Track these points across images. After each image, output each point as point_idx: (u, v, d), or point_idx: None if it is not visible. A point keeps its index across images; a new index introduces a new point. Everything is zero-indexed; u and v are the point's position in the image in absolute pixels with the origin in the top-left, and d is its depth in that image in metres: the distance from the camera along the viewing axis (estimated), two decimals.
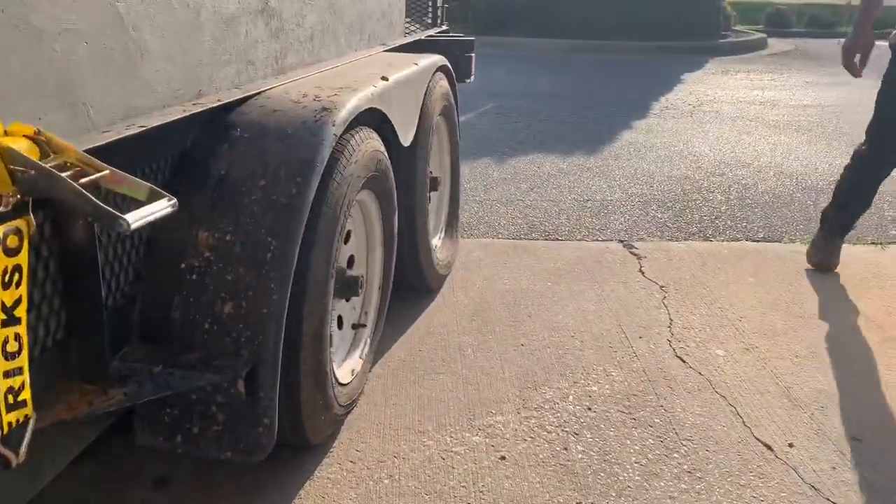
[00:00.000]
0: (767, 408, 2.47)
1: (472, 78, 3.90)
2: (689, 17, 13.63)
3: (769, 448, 2.27)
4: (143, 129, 1.48)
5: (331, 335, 2.13)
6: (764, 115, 7.67)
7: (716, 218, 4.37)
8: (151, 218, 1.18)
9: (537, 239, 3.99)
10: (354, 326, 2.41)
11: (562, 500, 2.04)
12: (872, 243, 3.99)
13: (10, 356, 1.17)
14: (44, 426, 1.31)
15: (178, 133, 1.71)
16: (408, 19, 3.95)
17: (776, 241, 4.01)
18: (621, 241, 3.95)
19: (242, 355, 1.61)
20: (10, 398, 1.19)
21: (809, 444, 2.29)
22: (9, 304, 1.15)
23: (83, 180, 1.12)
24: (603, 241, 3.97)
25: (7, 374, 1.17)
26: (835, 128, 7.04)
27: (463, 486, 2.08)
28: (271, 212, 1.69)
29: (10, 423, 1.19)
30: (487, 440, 2.28)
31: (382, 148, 2.31)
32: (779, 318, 3.10)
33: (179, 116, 1.63)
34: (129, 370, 1.53)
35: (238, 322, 1.62)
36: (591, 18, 13.56)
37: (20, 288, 1.16)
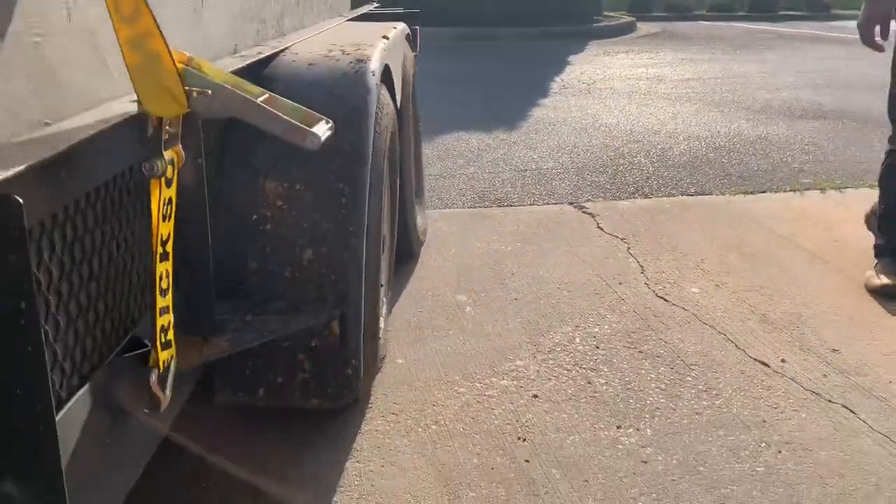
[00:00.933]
0: (751, 332, 2.69)
1: (418, 51, 3.94)
2: (566, 3, 14.19)
3: (766, 365, 2.48)
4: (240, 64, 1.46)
5: None
6: (654, 89, 8.13)
7: (647, 178, 4.64)
8: (328, 135, 1.18)
9: (492, 206, 4.10)
10: None
11: (602, 426, 2.15)
12: (791, 190, 4.36)
13: (164, 293, 1.14)
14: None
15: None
16: None
17: (709, 195, 4.31)
18: (571, 203, 4.12)
19: (328, 300, 1.62)
20: (163, 337, 1.16)
21: (798, 359, 2.52)
22: (165, 236, 1.12)
23: (259, 100, 1.11)
24: (554, 204, 4.13)
25: (162, 312, 1.15)
26: (721, 97, 7.56)
27: (508, 424, 2.15)
28: (337, 158, 1.70)
29: (164, 362, 1.17)
30: (516, 383, 2.36)
31: (393, 105, 2.34)
32: (734, 258, 3.36)
33: (242, 65, 1.61)
34: (220, 322, 1.50)
35: (320, 267, 1.62)
36: (476, 8, 13.84)
37: (171, 221, 1.14)
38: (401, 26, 2.96)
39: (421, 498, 1.86)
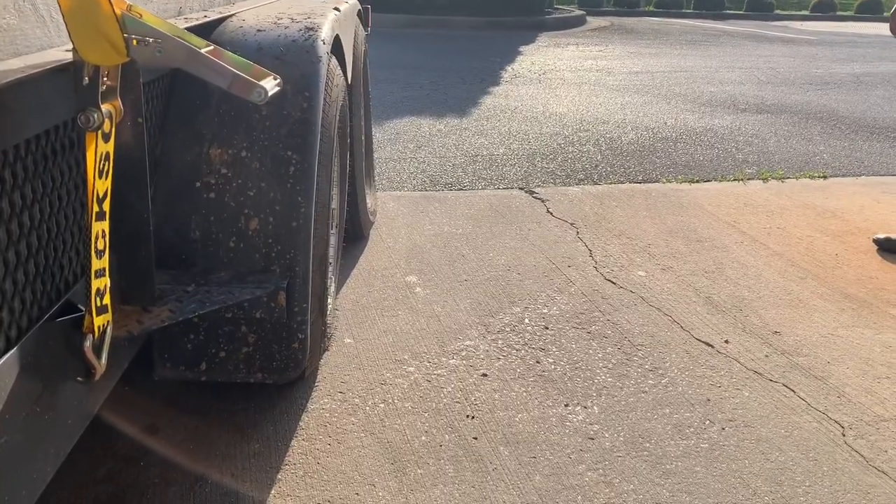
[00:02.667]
0: (697, 314, 2.73)
1: (370, 30, 3.88)
2: None
3: (710, 346, 2.52)
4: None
5: None
6: (603, 80, 8.21)
7: (596, 165, 4.67)
8: (276, 90, 1.13)
9: (443, 190, 4.08)
10: None
11: (550, 404, 2.15)
12: (735, 179, 4.45)
13: (100, 254, 1.09)
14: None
15: None
16: None
17: (656, 182, 4.36)
18: (522, 188, 4.13)
19: (275, 270, 1.57)
20: (98, 301, 1.11)
21: (741, 339, 2.57)
22: (101, 194, 1.06)
23: (203, 50, 1.05)
24: (505, 188, 4.13)
25: (97, 274, 1.09)
26: (668, 90, 7.68)
27: (457, 402, 2.14)
28: (285, 126, 1.65)
29: (99, 328, 1.11)
30: (465, 362, 2.35)
31: (344, 77, 2.29)
32: (680, 242, 3.40)
33: (194, 24, 1.54)
34: (160, 291, 1.44)
35: (267, 237, 1.58)
36: None
37: (108, 179, 1.08)
38: (352, 1, 2.90)
39: (367, 475, 1.83)
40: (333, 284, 2.43)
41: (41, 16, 1.02)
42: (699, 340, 2.55)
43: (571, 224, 3.58)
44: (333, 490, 1.77)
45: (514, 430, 2.03)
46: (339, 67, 2.16)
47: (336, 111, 1.99)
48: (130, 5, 1.04)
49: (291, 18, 1.94)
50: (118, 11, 0.97)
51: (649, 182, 4.37)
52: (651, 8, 19.63)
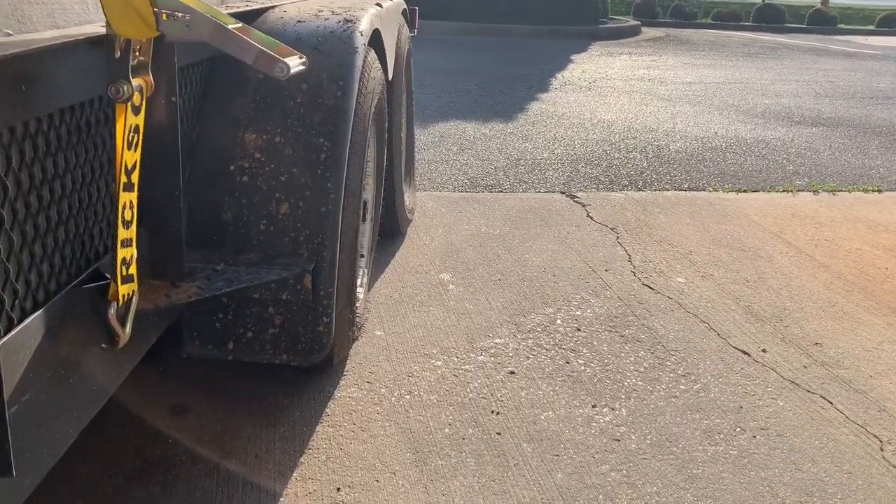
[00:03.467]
0: (735, 322, 2.68)
1: (415, 32, 3.92)
2: (572, 4, 14.18)
3: (746, 354, 2.47)
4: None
5: None
6: (655, 89, 8.12)
7: (641, 172, 4.62)
8: (301, 68, 1.16)
9: (482, 192, 4.08)
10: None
11: (577, 404, 2.13)
12: (784, 191, 4.35)
13: (126, 224, 1.12)
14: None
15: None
16: None
17: (702, 190, 4.30)
18: (563, 192, 4.10)
19: (302, 254, 1.60)
20: (124, 270, 1.14)
21: (780, 349, 2.50)
22: (129, 165, 1.10)
23: (230, 27, 1.08)
24: (546, 192, 4.11)
25: (124, 244, 1.12)
26: (721, 101, 7.55)
27: (483, 398, 2.13)
28: (319, 114, 1.67)
29: (124, 296, 1.14)
30: (493, 359, 2.34)
31: (383, 72, 2.31)
32: (723, 251, 3.34)
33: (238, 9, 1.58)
34: (190, 269, 1.48)
35: (296, 221, 1.60)
36: (483, 3, 13.83)
37: (137, 151, 1.11)
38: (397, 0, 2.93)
39: (389, 463, 1.84)
40: (366, 276, 2.45)
41: None
42: (735, 348, 2.50)
43: (612, 229, 3.54)
44: (354, 475, 1.79)
45: (538, 428, 2.01)
46: (377, 61, 2.18)
47: (372, 103, 2.01)
48: None
49: (332, 11, 1.97)
50: None
51: (695, 190, 4.30)
52: (709, 20, 19.35)
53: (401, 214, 3.04)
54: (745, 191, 4.31)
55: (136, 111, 1.08)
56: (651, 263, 3.15)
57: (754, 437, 2.03)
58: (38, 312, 1.03)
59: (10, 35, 0.93)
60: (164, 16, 1.02)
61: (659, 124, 6.18)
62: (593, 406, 2.13)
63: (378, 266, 2.90)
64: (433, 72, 8.60)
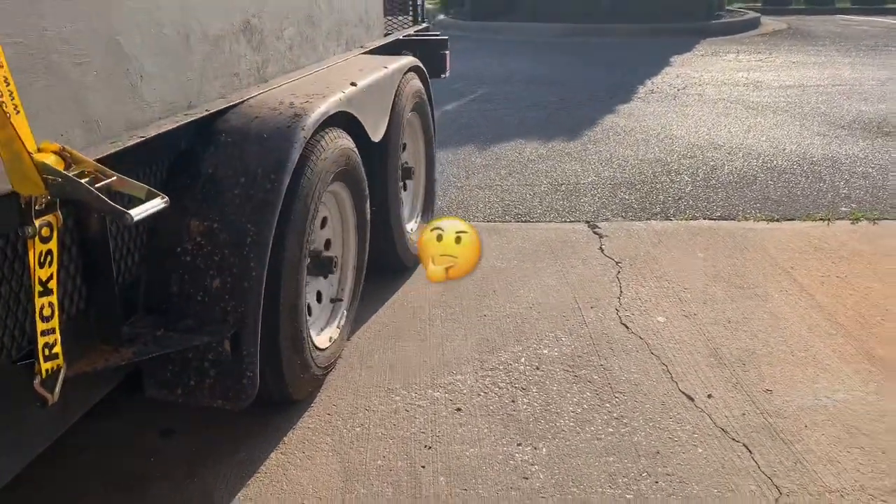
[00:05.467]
0: (695, 366, 2.83)
1: (448, 73, 4.24)
2: None
3: (690, 398, 2.63)
4: (142, 139, 1.85)
5: (309, 307, 2.51)
6: (745, 96, 7.95)
7: (679, 199, 4.71)
8: (149, 212, 1.54)
9: (510, 221, 4.34)
10: (332, 300, 2.78)
11: (505, 442, 2.41)
12: (821, 219, 4.31)
13: (46, 319, 1.54)
14: (70, 375, 1.68)
15: (172, 139, 2.06)
16: (389, 18, 4.30)
17: (731, 220, 4.34)
18: (587, 223, 4.29)
19: (228, 321, 1.98)
20: (47, 351, 1.56)
21: (726, 395, 2.65)
22: (44, 278, 1.52)
23: (98, 185, 1.48)
24: (570, 222, 4.32)
25: (44, 333, 1.55)
26: (811, 108, 7.31)
27: (423, 433, 2.45)
28: (249, 204, 2.05)
29: (47, 371, 1.57)
30: (447, 395, 2.65)
31: (352, 145, 2.66)
32: (720, 288, 3.45)
33: (171, 127, 1.99)
34: (136, 334, 1.90)
35: (224, 294, 1.99)
36: (586, 2, 13.81)
37: (52, 267, 1.53)
38: (398, 63, 3.26)
39: (319, 489, 2.20)
40: (344, 319, 2.82)
41: None
42: (682, 392, 2.67)
43: (617, 263, 3.72)
44: (287, 498, 2.16)
45: (459, 463, 2.31)
46: (340, 138, 2.53)
47: (322, 181, 2.36)
48: (63, 147, 1.49)
49: (291, 103, 2.34)
50: (39, 159, 1.41)
51: (725, 219, 4.36)
52: (849, 5, 18.18)
53: (403, 254, 3.38)
54: (776, 219, 4.32)
55: (46, 240, 1.49)
56: (639, 301, 3.33)
57: (656, 482, 2.23)
58: None
59: None
60: (51, 179, 1.42)
61: (728, 140, 6.14)
62: (518, 444, 2.40)
63: (376, 302, 3.26)
64: (524, 83, 8.84)
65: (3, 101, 1.35)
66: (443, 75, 4.22)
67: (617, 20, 13.40)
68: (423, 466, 2.30)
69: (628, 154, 5.75)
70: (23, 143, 1.37)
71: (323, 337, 2.64)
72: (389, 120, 3.10)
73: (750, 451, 2.36)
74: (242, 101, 2.36)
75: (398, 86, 3.23)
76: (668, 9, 13.65)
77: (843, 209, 4.49)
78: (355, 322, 3.00)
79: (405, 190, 3.55)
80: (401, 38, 4.13)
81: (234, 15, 2.44)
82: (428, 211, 3.83)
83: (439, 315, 3.20)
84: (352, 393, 2.66)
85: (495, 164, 5.49)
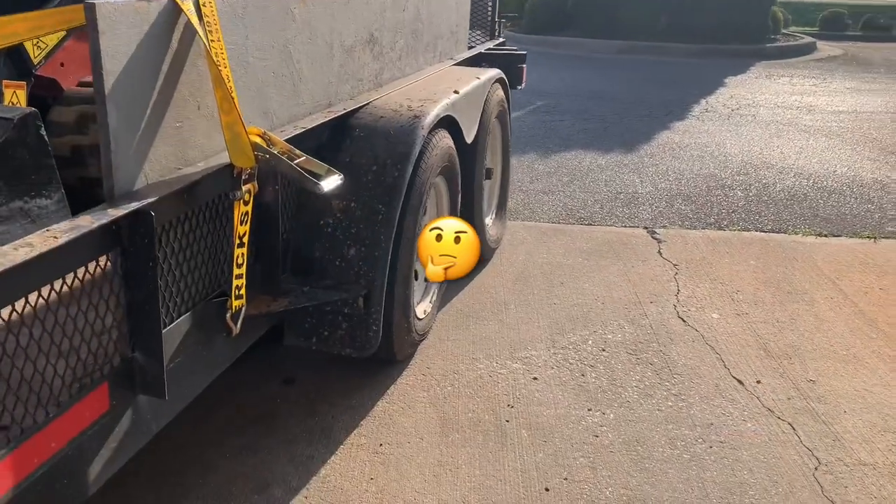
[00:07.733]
0: (745, 356, 3.17)
1: (524, 85, 4.62)
2: (740, 20, 14.07)
3: (741, 382, 2.97)
4: (304, 129, 2.27)
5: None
6: (798, 119, 8.20)
7: (732, 211, 5.03)
8: (333, 186, 1.95)
9: (573, 223, 4.71)
10: (426, 280, 3.18)
11: (577, 407, 2.78)
12: (867, 237, 4.60)
13: (239, 266, 1.96)
14: (246, 315, 2.09)
15: (320, 132, 2.48)
16: (472, 31, 4.71)
17: (782, 233, 4.65)
18: (646, 228, 4.64)
19: (361, 283, 2.39)
20: (237, 292, 1.99)
21: (773, 382, 2.98)
22: (241, 234, 1.94)
23: (295, 162, 1.90)
24: (630, 227, 4.67)
25: (237, 277, 1.97)
26: (863, 134, 7.54)
27: (505, 395, 2.83)
28: (381, 188, 2.46)
29: (236, 307, 1.99)
30: (524, 366, 3.03)
31: (453, 144, 3.07)
32: (769, 293, 3.77)
33: (323, 121, 2.41)
34: (288, 289, 2.32)
35: (359, 260, 2.40)
36: (643, 20, 14.11)
37: (247, 225, 1.95)
38: (487, 75, 3.66)
39: (421, 431, 2.60)
40: (437, 295, 3.22)
41: (217, 140, 1.91)
42: (734, 377, 3.01)
43: (674, 265, 4.06)
44: (394, 437, 2.56)
45: (538, 421, 2.69)
46: (445, 139, 2.94)
47: (431, 174, 2.77)
48: (265, 132, 1.91)
49: (408, 106, 2.75)
50: (253, 139, 1.83)
51: (776, 232, 4.67)
52: None
53: (483, 245, 3.77)
54: (825, 235, 4.62)
55: (246, 203, 1.91)
56: (694, 299, 3.67)
57: (710, 447, 2.58)
58: (186, 314, 1.89)
59: (179, 169, 1.80)
60: (259, 156, 1.84)
61: (780, 160, 6.42)
62: (588, 409, 2.77)
63: (458, 286, 3.66)
64: (581, 97, 9.20)
65: (231, 91, 1.77)
66: (518, 87, 4.60)
67: (673, 39, 13.67)
68: (507, 421, 2.68)
69: (684, 168, 6.07)
70: (243, 126, 1.79)
71: (420, 309, 3.04)
72: (479, 124, 3.49)
73: (794, 428, 2.69)
74: (368, 103, 2.77)
75: (487, 94, 3.63)
76: (725, 30, 13.87)
77: (890, 228, 4.77)
78: (441, 303, 3.40)
79: (484, 187, 3.94)
80: (483, 51, 4.53)
81: (362, 28, 2.86)
82: (502, 209, 4.22)
83: (514, 300, 3.58)
84: (441, 359, 3.05)
85: (557, 172, 5.86)
